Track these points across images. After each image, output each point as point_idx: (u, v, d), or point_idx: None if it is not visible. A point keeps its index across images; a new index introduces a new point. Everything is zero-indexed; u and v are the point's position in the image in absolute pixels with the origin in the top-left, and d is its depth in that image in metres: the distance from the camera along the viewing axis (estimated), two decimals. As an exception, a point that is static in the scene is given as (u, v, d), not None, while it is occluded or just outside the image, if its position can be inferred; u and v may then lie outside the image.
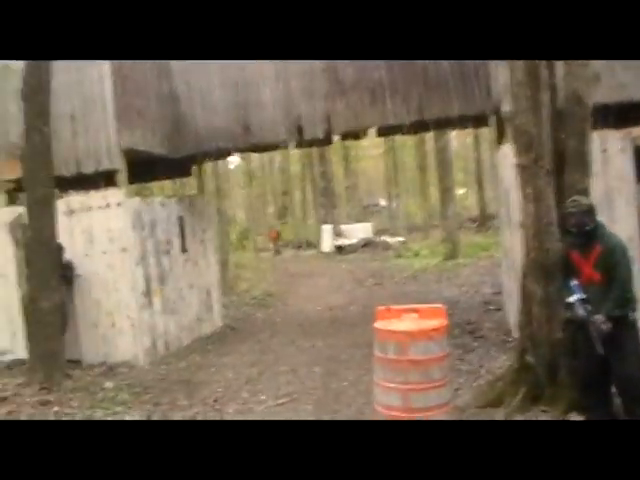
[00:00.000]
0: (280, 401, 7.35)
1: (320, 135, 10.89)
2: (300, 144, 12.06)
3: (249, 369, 9.05)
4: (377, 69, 10.33)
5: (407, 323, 5.45)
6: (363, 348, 9.44)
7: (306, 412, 6.83)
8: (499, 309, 11.14)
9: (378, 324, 5.58)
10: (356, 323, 11.74)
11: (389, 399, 5.28)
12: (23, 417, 7.42)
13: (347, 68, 10.46)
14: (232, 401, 7.55)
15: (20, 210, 9.59)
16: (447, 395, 5.37)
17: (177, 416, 7.15)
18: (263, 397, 7.59)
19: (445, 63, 10.01)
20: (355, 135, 11.57)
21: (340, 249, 29.42)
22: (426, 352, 5.19)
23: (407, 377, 5.15)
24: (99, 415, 7.27)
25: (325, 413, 6.70)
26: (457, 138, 40.74)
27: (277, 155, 39.44)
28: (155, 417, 7.16)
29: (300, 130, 10.86)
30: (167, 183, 21.64)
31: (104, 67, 9.68)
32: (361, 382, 7.71)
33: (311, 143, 12.61)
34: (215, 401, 7.59)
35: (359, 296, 15.67)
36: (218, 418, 6.95)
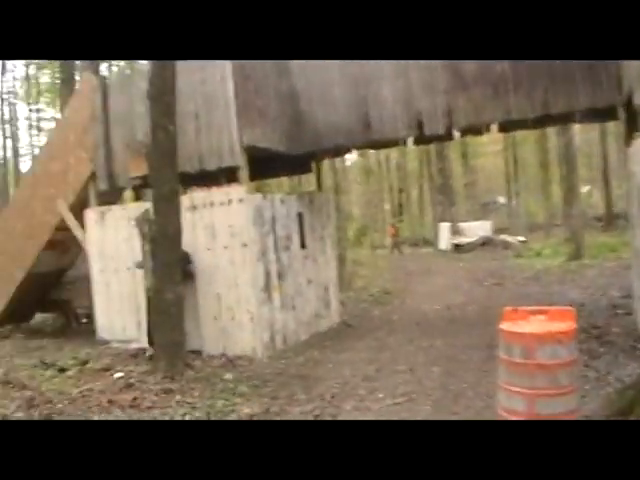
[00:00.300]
0: (398, 400, 7.25)
1: (441, 131, 10.70)
2: (420, 140, 11.89)
3: (366, 366, 8.99)
4: (500, 62, 10.02)
5: (534, 325, 5.22)
6: (483, 349, 9.25)
7: (424, 413, 6.70)
8: (629, 313, 10.54)
9: (504, 325, 5.35)
10: (475, 323, 11.49)
11: (513, 404, 5.09)
12: (147, 404, 7.71)
13: (469, 61, 10.22)
14: (349, 398, 7.51)
15: (146, 206, 9.97)
16: (574, 402, 5.12)
17: (295, 411, 7.19)
18: (380, 395, 7.50)
19: (571, 54, 9.59)
20: (476, 131, 11.27)
21: (458, 247, 28.88)
22: (554, 356, 4.96)
23: (533, 382, 4.95)
24: (219, 405, 7.42)
25: (444, 415, 6.55)
26: (580, 133, 39.08)
27: (393, 152, 39.20)
28: (273, 410, 7.24)
29: (420, 126, 10.71)
30: (284, 179, 21.94)
31: (226, 67, 9.92)
32: (481, 384, 7.51)
33: (431, 139, 12.40)
34: (332, 397, 7.57)
35: (478, 296, 15.31)
36: (335, 414, 6.94)
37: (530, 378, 4.96)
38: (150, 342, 10.27)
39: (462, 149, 36.30)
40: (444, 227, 31.16)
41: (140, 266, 10.38)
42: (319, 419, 6.84)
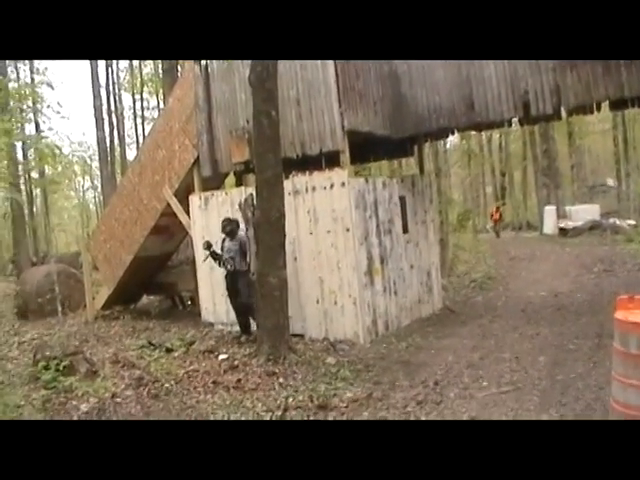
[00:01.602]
0: (503, 389, 7.06)
1: (548, 111, 10.29)
2: (526, 121, 11.52)
3: (470, 353, 8.81)
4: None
5: (653, 315, 4.90)
6: (592, 339, 8.92)
7: (531, 403, 6.49)
8: None
9: (619, 314, 5.04)
10: (584, 312, 11.06)
11: (628, 397, 4.81)
12: (250, 385, 7.83)
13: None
14: (453, 385, 7.39)
15: (249, 191, 10.07)
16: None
17: (397, 396, 7.15)
18: (485, 383, 7.34)
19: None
20: (586, 110, 10.79)
21: (564, 232, 27.79)
22: (673, 349, 4.65)
23: (651, 375, 4.68)
24: (322, 389, 7.45)
25: (551, 406, 6.33)
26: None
27: (495, 133, 38.21)
28: (375, 395, 7.20)
29: (526, 106, 10.35)
30: (384, 163, 21.77)
31: (328, 51, 9.87)
32: (590, 375, 7.22)
33: (537, 119, 12.00)
34: (436, 384, 7.46)
35: (586, 283, 14.71)
36: (439, 401, 6.83)
37: (647, 371, 4.69)
38: (243, 327, 10.48)
39: (568, 129, 34.89)
40: (550, 211, 30.14)
41: (206, 247, 10.59)
42: (421, 406, 6.75)
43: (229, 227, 10.39)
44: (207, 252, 10.63)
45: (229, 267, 10.48)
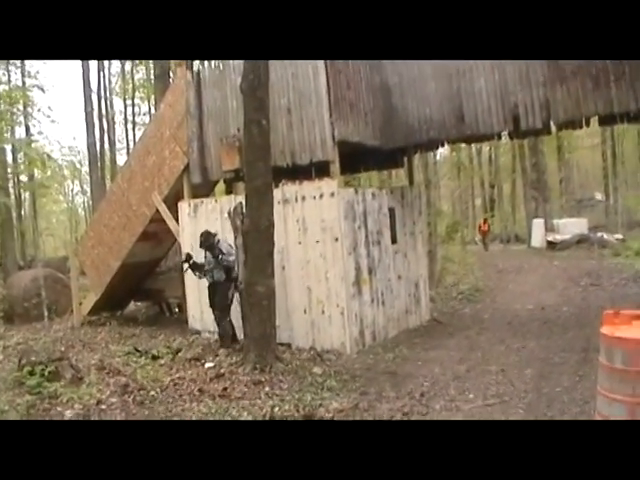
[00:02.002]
0: (489, 402, 7.07)
1: (538, 125, 10.36)
2: (516, 134, 11.58)
3: (457, 365, 8.83)
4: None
5: (638, 330, 4.92)
6: (578, 352, 8.95)
7: (517, 416, 6.50)
8: None
9: (604, 329, 5.05)
10: (570, 325, 11.11)
11: (613, 411, 4.81)
12: (236, 394, 7.80)
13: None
14: (439, 397, 7.40)
15: (239, 199, 10.07)
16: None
17: (383, 407, 7.14)
18: (471, 396, 7.35)
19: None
20: (575, 124, 10.87)
21: (552, 245, 27.91)
22: (657, 364, 4.67)
23: (635, 390, 4.66)
24: (308, 399, 7.43)
25: (537, 419, 6.33)
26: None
27: (485, 145, 38.39)
28: (361, 406, 7.19)
29: (516, 120, 10.41)
30: (374, 173, 21.81)
31: (319, 61, 9.90)
32: (576, 389, 7.24)
33: (527, 133, 12.06)
34: (422, 395, 7.47)
35: (573, 296, 14.79)
36: (425, 413, 6.84)
37: (632, 386, 4.68)
38: (221, 336, 10.47)
39: (557, 143, 35.09)
40: (538, 224, 30.28)
41: (186, 259, 10.73)
42: (407, 418, 6.75)
43: (206, 243, 10.45)
44: (186, 265, 10.71)
45: (209, 279, 10.61)
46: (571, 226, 29.67)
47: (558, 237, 28.47)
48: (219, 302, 10.48)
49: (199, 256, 10.77)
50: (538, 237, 29.81)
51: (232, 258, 10.19)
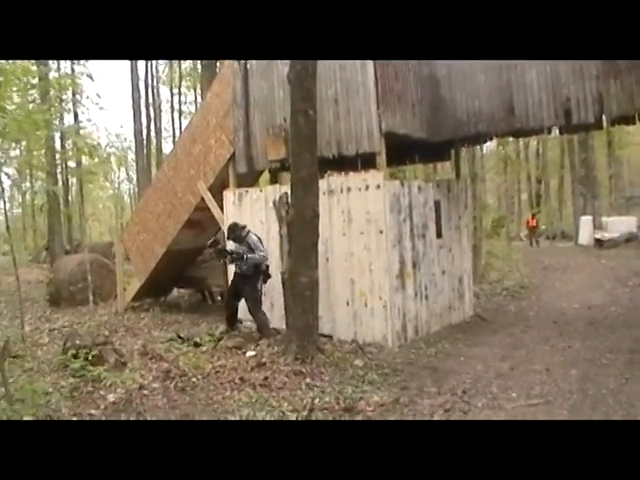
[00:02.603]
0: (533, 401, 6.93)
1: (590, 120, 10.08)
2: (567, 129, 11.33)
3: (500, 363, 8.69)
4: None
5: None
6: (625, 354, 8.75)
7: (561, 417, 6.36)
8: None
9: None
10: (617, 326, 10.85)
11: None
12: (277, 384, 7.80)
13: (623, 46, 9.57)
14: (481, 394, 7.28)
15: (284, 189, 10.05)
16: None
17: (425, 403, 7.07)
18: (514, 395, 7.22)
19: None
20: (628, 120, 10.58)
21: (600, 243, 27.36)
22: None
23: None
24: (348, 392, 7.40)
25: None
26: None
27: (533, 140, 37.74)
28: (402, 401, 7.13)
29: (568, 114, 10.18)
30: (419, 166, 21.63)
31: (367, 52, 9.81)
32: (622, 391, 7.07)
33: (578, 128, 11.80)
34: (464, 392, 7.36)
35: (621, 296, 14.42)
36: (466, 410, 6.74)
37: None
38: (259, 328, 10.53)
39: (608, 138, 34.31)
40: (586, 221, 29.67)
41: (211, 244, 10.77)
42: (448, 414, 6.68)
43: (232, 235, 10.55)
44: (211, 250, 10.81)
45: (236, 268, 10.62)
46: (620, 224, 29.01)
47: (606, 235, 27.88)
48: (249, 294, 10.49)
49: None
50: (586, 234, 29.23)
51: (262, 253, 10.27)
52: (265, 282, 10.62)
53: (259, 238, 10.42)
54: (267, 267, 10.55)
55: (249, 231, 10.48)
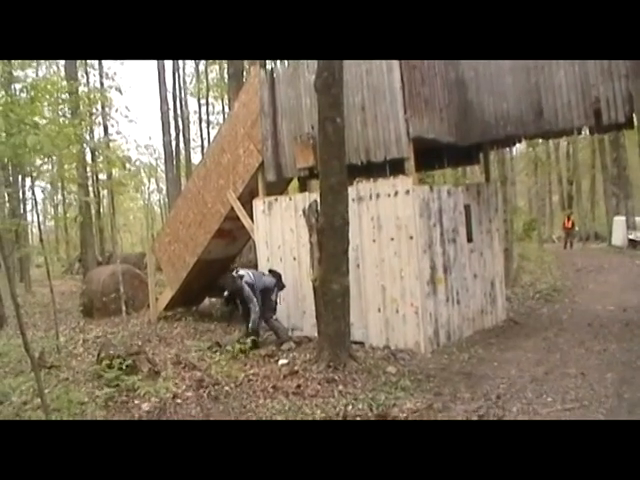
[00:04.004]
0: (568, 406, 6.85)
1: (621, 119, 9.98)
2: (597, 129, 11.22)
3: (534, 368, 8.61)
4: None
5: None
6: (663, 356, 8.63)
7: (597, 421, 6.31)
8: None
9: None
10: (654, 328, 10.70)
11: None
12: (310, 392, 7.81)
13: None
14: (515, 400, 7.22)
15: (313, 196, 10.07)
16: None
17: (458, 409, 7.02)
18: (549, 399, 7.15)
19: None
20: (660, 118, 10.46)
21: (634, 243, 26.95)
22: None
23: None
24: (382, 398, 7.38)
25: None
26: None
27: (563, 141, 37.27)
28: (436, 406, 7.09)
29: (598, 114, 10.07)
30: (448, 170, 21.55)
31: (393, 58, 9.82)
32: (660, 395, 6.97)
33: (608, 128, 11.65)
34: (498, 398, 7.30)
35: (657, 297, 14.27)
36: (501, 416, 6.68)
37: None
38: (276, 333, 10.82)
39: (639, 137, 33.76)
40: (619, 221, 29.20)
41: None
42: (483, 419, 6.62)
43: (230, 290, 10.87)
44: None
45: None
46: (655, 224, 28.58)
47: (641, 235, 27.49)
48: (268, 304, 10.87)
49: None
50: (619, 235, 28.79)
51: (253, 306, 10.59)
52: (281, 290, 11.05)
53: (250, 275, 10.83)
54: (280, 276, 10.90)
55: (242, 276, 10.82)
